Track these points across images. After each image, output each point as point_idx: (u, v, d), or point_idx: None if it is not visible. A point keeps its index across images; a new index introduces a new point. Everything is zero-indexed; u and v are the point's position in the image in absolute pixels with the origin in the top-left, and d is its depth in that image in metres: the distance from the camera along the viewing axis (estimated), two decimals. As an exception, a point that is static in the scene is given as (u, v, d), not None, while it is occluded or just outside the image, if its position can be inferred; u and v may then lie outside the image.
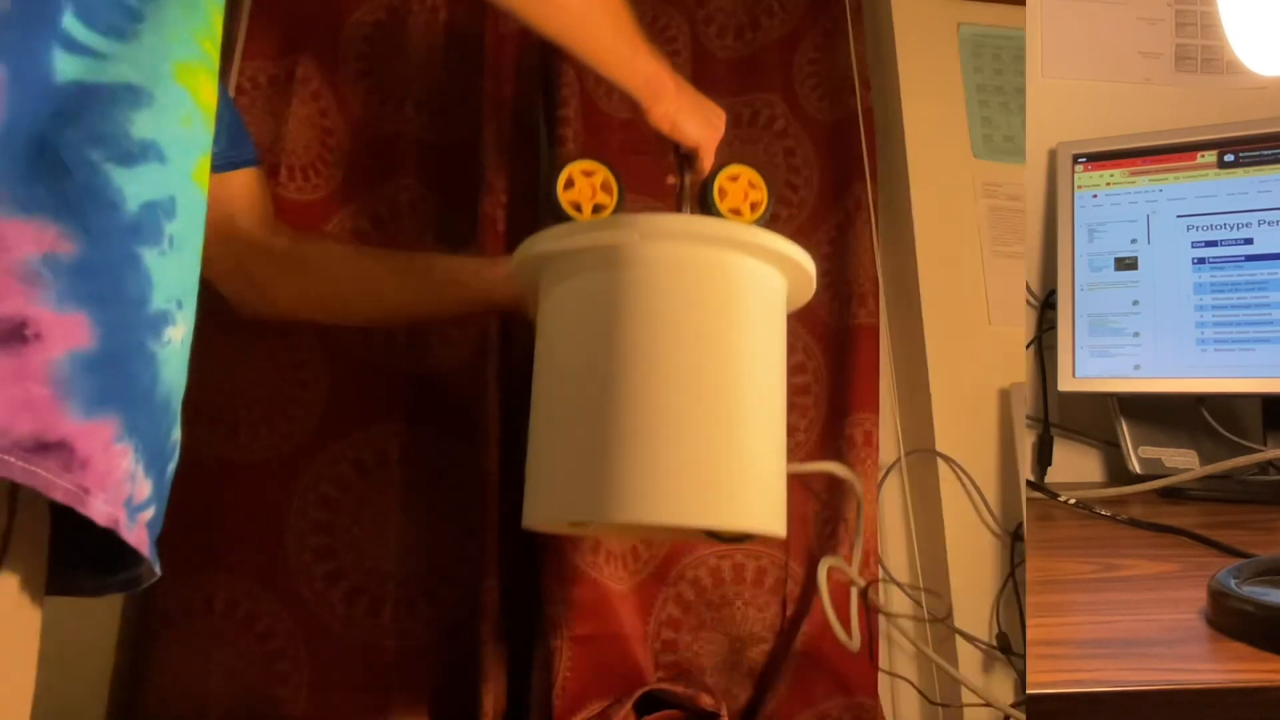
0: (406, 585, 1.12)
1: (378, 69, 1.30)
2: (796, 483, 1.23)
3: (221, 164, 0.91)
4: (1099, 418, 1.11)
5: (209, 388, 1.14)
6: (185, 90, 0.66)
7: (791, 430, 1.24)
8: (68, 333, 0.55)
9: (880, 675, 1.18)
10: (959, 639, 1.17)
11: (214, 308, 1.16)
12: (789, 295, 0.85)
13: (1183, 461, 1.05)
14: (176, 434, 0.64)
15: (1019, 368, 1.25)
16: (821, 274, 1.30)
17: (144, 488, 0.59)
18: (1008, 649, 1.17)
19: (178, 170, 0.65)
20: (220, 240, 0.94)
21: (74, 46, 0.63)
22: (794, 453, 1.25)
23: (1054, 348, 1.09)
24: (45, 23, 0.62)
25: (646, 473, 0.72)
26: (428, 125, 1.29)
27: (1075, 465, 1.12)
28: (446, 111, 1.29)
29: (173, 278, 0.63)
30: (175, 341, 0.63)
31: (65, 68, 0.63)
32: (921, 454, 1.28)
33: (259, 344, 1.16)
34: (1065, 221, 1.11)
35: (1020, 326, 1.31)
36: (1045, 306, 1.16)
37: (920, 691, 1.21)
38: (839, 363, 1.27)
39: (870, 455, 1.22)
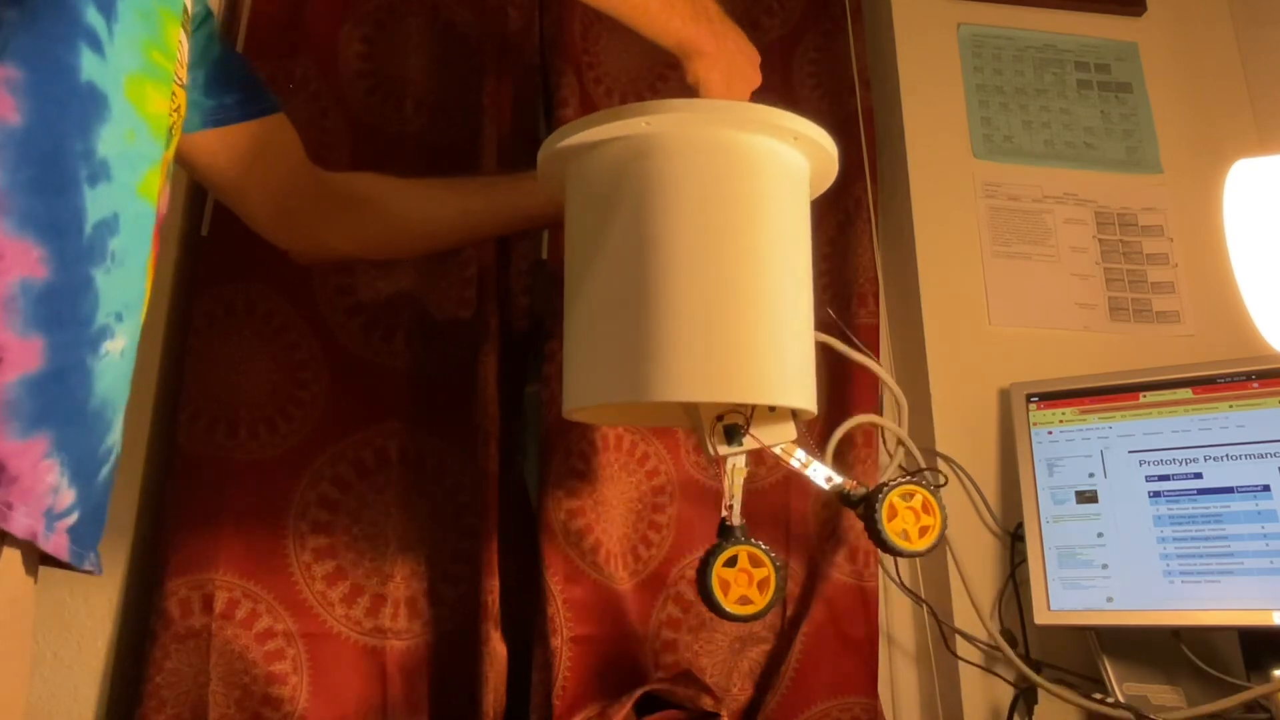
0: (407, 585, 1.12)
1: (378, 69, 1.30)
2: (796, 482, 1.23)
3: (240, 115, 0.92)
4: (1079, 649, 1.15)
5: (209, 388, 1.14)
6: (130, 104, 0.67)
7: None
8: (23, 357, 0.57)
9: (880, 675, 1.18)
10: (959, 639, 1.17)
11: (214, 308, 1.17)
12: (812, 177, 0.87)
13: (1169, 699, 1.08)
14: (112, 439, 0.65)
15: (1019, 368, 1.25)
16: (821, 274, 1.31)
17: (67, 497, 0.61)
18: (1004, 650, 1.17)
19: (122, 186, 0.66)
20: (261, 190, 0.95)
21: (96, 43, 0.63)
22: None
23: (1027, 581, 1.13)
24: (67, 18, 0.62)
25: (678, 352, 0.75)
26: (428, 125, 1.29)
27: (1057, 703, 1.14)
28: (446, 111, 1.29)
29: (115, 293, 0.65)
30: (113, 353, 0.64)
31: (88, 66, 0.63)
32: (921, 454, 1.27)
33: (259, 344, 1.16)
34: (1025, 456, 1.17)
35: (1021, 327, 1.31)
36: (1014, 539, 1.20)
37: (920, 691, 1.21)
38: (839, 362, 1.26)
39: (870, 455, 1.22)
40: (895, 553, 0.83)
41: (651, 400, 0.76)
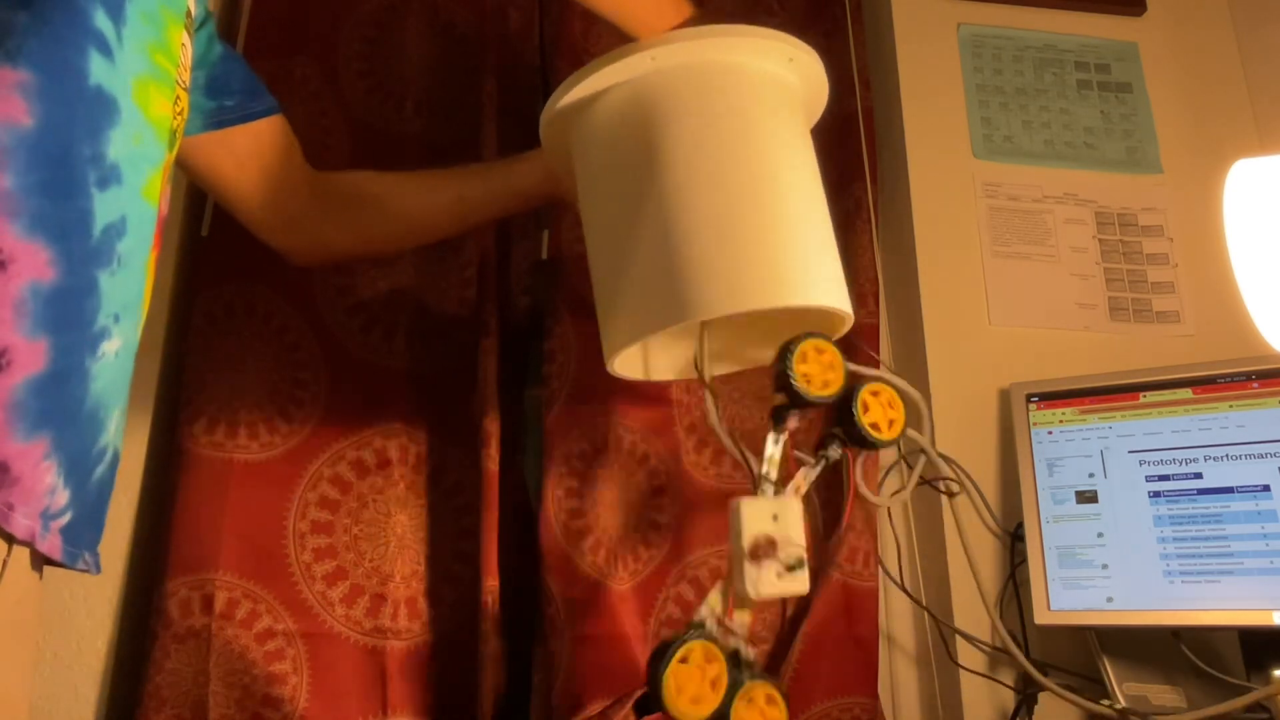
0: (406, 585, 1.12)
1: (378, 69, 1.30)
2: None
3: (240, 117, 0.92)
4: (1079, 650, 1.14)
5: (209, 388, 1.14)
6: (137, 107, 0.67)
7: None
8: (29, 359, 0.57)
9: (880, 675, 1.18)
10: (959, 639, 1.17)
11: (214, 308, 1.17)
12: (806, 100, 0.90)
13: (1169, 699, 1.07)
14: (106, 439, 0.65)
15: (1019, 368, 1.25)
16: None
17: (62, 497, 0.61)
18: (1008, 650, 1.17)
19: (130, 189, 0.66)
20: (260, 193, 0.96)
21: (104, 47, 0.64)
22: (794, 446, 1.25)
23: (1027, 582, 1.13)
24: (78, 22, 0.62)
25: (707, 270, 0.76)
26: (428, 125, 1.29)
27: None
28: (446, 111, 1.29)
29: (117, 294, 0.65)
30: (109, 354, 0.64)
31: (97, 70, 0.63)
32: (922, 453, 1.27)
33: (259, 344, 1.16)
34: (1025, 456, 1.17)
35: (1021, 327, 1.31)
36: (1014, 539, 1.19)
37: (920, 691, 1.21)
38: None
39: (870, 455, 1.22)
40: (873, 445, 0.86)
41: (689, 320, 0.77)
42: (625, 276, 0.82)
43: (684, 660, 0.75)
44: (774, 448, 0.87)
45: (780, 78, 0.85)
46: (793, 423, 0.87)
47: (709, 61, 0.82)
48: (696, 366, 0.85)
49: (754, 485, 0.85)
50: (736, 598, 0.82)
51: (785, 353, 0.83)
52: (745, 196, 0.79)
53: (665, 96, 0.82)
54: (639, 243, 0.80)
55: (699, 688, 0.74)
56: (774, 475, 0.86)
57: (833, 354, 0.85)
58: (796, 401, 0.84)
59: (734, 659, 0.80)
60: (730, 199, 0.79)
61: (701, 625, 0.80)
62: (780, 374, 0.83)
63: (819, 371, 0.84)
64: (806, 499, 0.85)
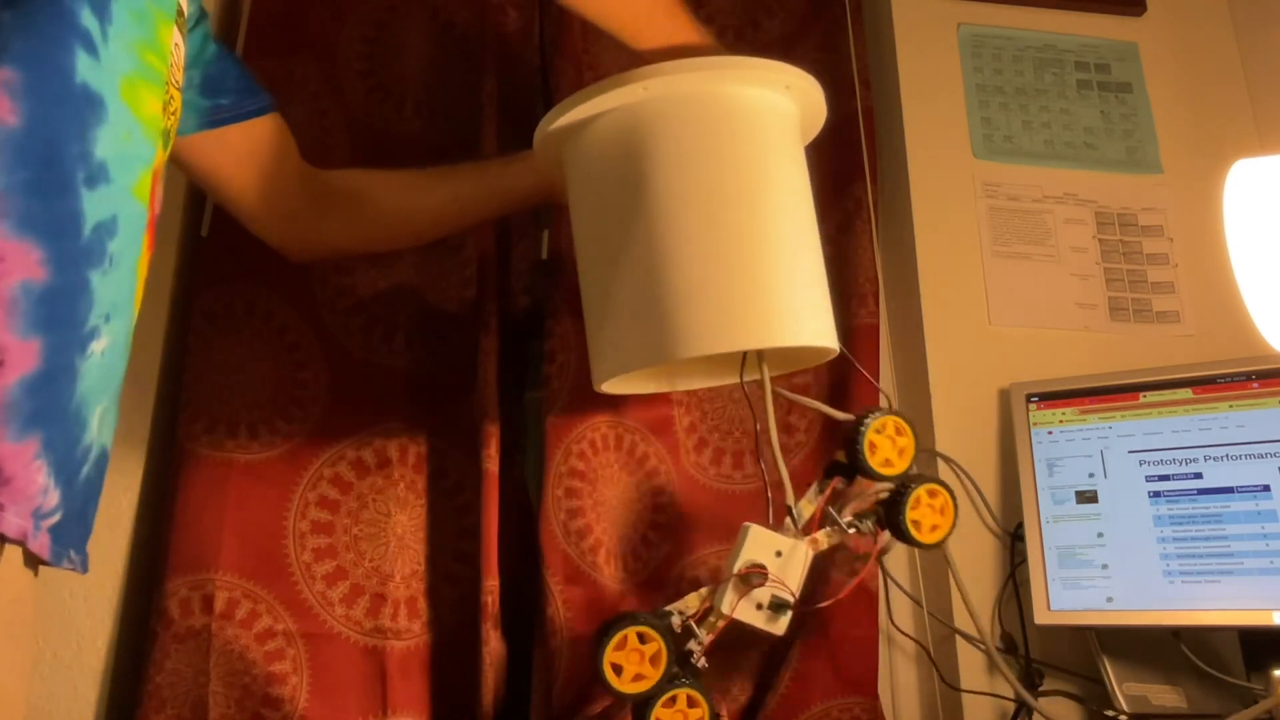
0: (406, 585, 1.12)
1: (378, 69, 1.30)
2: (796, 481, 1.23)
3: (235, 115, 0.92)
4: (1079, 649, 1.15)
5: (209, 387, 1.14)
6: (126, 106, 0.67)
7: (791, 430, 1.24)
8: (22, 359, 0.57)
9: (880, 675, 1.18)
10: (959, 639, 1.17)
11: (214, 308, 1.17)
12: (803, 122, 0.88)
13: (1170, 699, 1.07)
14: (89, 437, 0.65)
15: (1019, 368, 1.25)
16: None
17: (53, 497, 0.61)
18: (1008, 649, 1.17)
19: (120, 188, 0.66)
20: (257, 191, 0.96)
21: (90, 45, 0.63)
22: (794, 452, 1.25)
23: (1027, 582, 1.13)
24: (63, 20, 0.62)
25: (696, 308, 0.76)
26: (428, 125, 1.29)
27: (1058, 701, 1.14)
28: (446, 111, 1.29)
29: (107, 294, 0.65)
30: (97, 354, 0.65)
31: (82, 68, 0.63)
32: (921, 454, 1.27)
33: (259, 344, 1.16)
34: (1025, 456, 1.17)
35: (1021, 327, 1.31)
36: (1014, 539, 1.19)
37: (920, 691, 1.21)
38: (839, 362, 1.26)
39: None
40: (909, 542, 0.87)
41: (675, 359, 0.77)
42: (613, 307, 0.81)
43: (641, 639, 0.78)
44: (816, 495, 0.87)
45: (775, 105, 0.84)
46: (839, 483, 0.88)
47: (700, 93, 0.81)
48: (742, 382, 0.86)
49: (769, 509, 0.85)
50: (713, 609, 0.83)
51: (861, 421, 0.84)
52: (733, 233, 0.79)
53: (654, 130, 0.81)
54: (626, 276, 0.80)
55: (634, 668, 0.78)
56: (803, 516, 0.86)
57: (908, 439, 0.86)
58: (858, 467, 0.84)
59: (683, 660, 0.81)
60: (717, 235, 0.78)
61: (667, 616, 0.81)
62: (851, 441, 0.84)
63: (887, 448, 0.85)
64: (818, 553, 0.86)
